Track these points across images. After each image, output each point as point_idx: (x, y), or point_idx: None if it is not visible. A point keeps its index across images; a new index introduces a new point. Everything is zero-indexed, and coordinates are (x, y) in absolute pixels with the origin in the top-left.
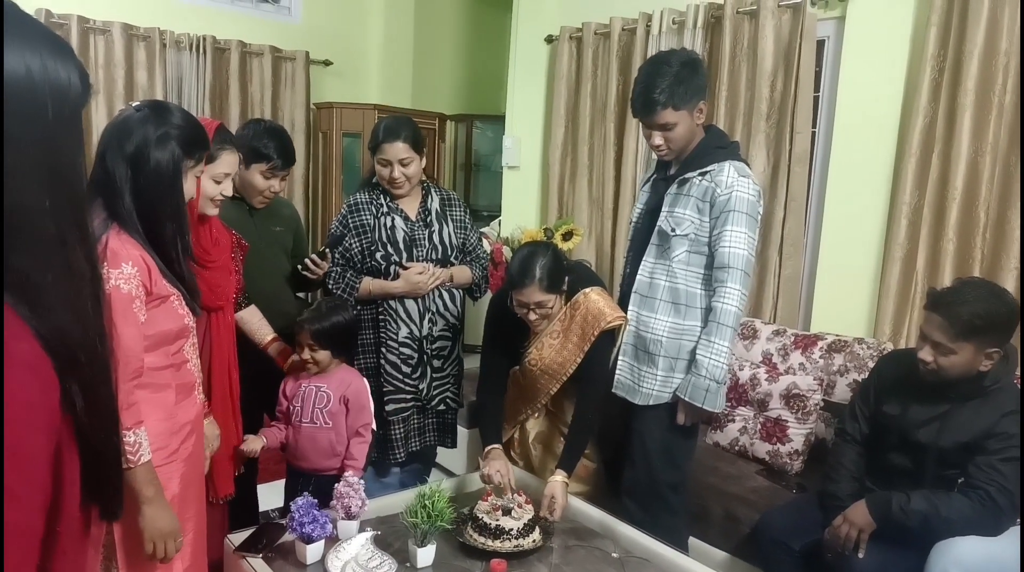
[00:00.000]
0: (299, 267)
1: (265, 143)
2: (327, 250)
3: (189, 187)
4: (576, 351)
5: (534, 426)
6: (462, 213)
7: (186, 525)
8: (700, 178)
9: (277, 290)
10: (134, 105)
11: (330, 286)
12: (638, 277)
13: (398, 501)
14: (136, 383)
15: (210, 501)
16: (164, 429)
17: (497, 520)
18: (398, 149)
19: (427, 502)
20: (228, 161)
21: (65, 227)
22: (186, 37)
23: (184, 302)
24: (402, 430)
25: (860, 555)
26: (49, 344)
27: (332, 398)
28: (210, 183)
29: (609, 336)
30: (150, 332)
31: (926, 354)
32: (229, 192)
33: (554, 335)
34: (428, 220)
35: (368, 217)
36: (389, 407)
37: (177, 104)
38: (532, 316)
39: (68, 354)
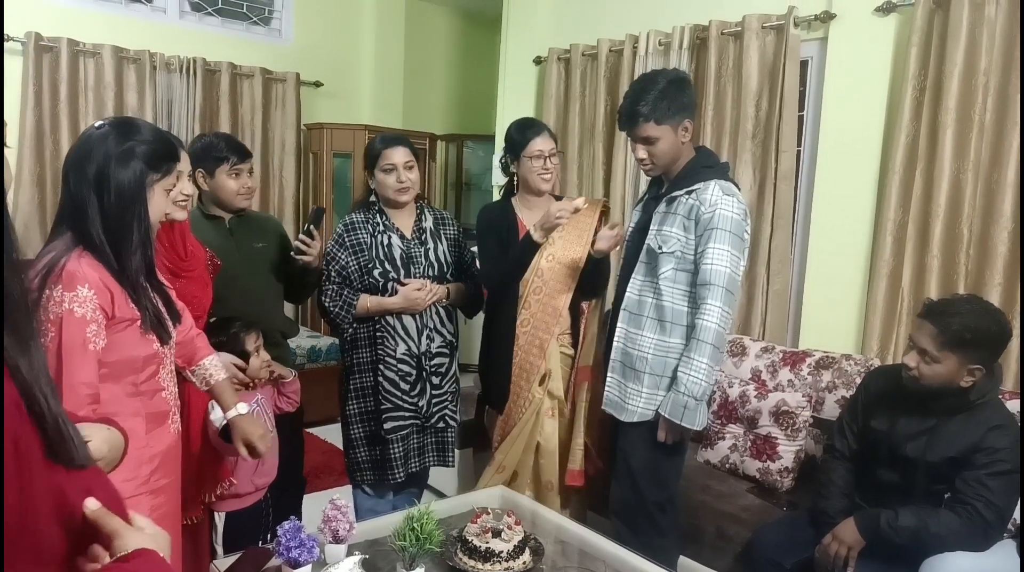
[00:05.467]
0: (292, 253)
1: (216, 146)
2: (311, 226)
3: (159, 202)
4: (582, 243)
5: (552, 430)
6: (455, 231)
7: None
8: (686, 196)
9: (261, 314)
10: (96, 124)
11: (327, 304)
12: (627, 294)
13: (386, 524)
14: (94, 410)
15: (186, 523)
16: (133, 457)
17: (487, 543)
18: (401, 153)
19: (416, 524)
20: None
21: None
22: (176, 59)
23: (151, 327)
24: (401, 449)
25: None
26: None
27: (262, 397)
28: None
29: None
30: (114, 357)
31: (911, 359)
32: (188, 190)
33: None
34: (423, 238)
35: (364, 235)
36: (387, 425)
37: (143, 119)
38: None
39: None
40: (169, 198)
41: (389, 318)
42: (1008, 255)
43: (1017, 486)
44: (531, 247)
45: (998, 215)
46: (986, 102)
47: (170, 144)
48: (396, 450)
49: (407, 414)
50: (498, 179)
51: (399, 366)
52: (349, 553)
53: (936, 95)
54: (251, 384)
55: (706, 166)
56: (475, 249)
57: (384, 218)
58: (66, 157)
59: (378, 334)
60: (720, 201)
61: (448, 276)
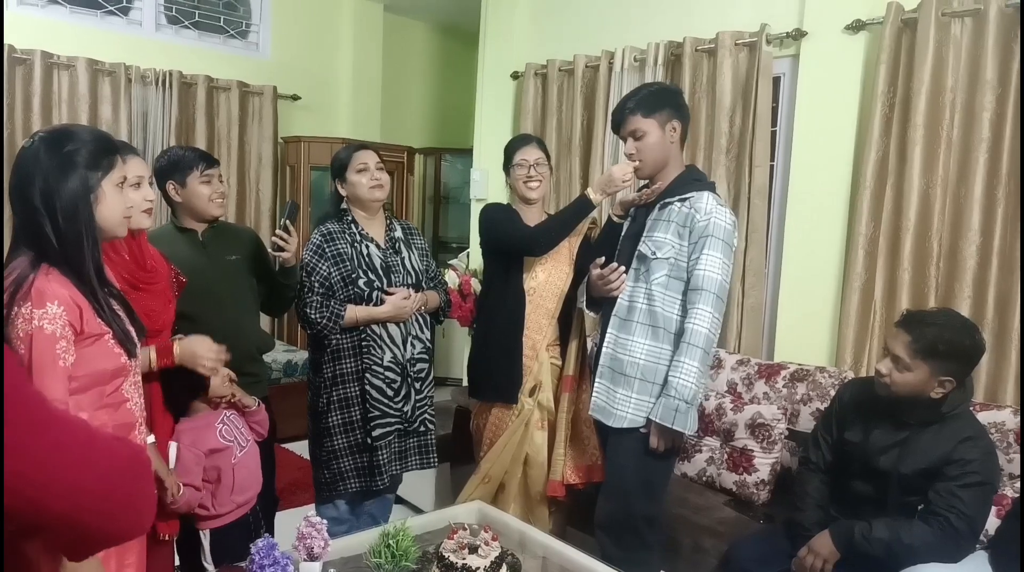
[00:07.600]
0: (270, 250)
1: (183, 156)
2: (287, 221)
3: (113, 200)
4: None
5: (541, 442)
6: (422, 241)
7: (127, 571)
8: (680, 204)
9: (235, 327)
10: (25, 142)
11: (313, 316)
12: (618, 301)
13: (362, 541)
14: None
15: (160, 539)
16: None
17: (463, 559)
18: (372, 154)
19: (391, 541)
20: (131, 166)
21: None
22: (152, 72)
23: (119, 341)
24: (386, 455)
25: None
26: None
27: (231, 414)
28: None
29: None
30: (82, 372)
31: (883, 366)
32: (151, 195)
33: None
34: (397, 247)
35: (344, 245)
36: (376, 432)
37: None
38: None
39: None
40: (124, 194)
41: (375, 327)
42: (976, 269)
43: (989, 497)
44: (585, 207)
45: (966, 229)
46: (953, 119)
47: (106, 140)
48: (382, 457)
49: (393, 420)
50: (476, 193)
51: (386, 374)
52: (324, 570)
53: (905, 112)
54: (213, 402)
55: (697, 179)
56: (451, 262)
57: (359, 228)
58: (8, 182)
59: (364, 344)
60: (715, 210)
61: (423, 284)
